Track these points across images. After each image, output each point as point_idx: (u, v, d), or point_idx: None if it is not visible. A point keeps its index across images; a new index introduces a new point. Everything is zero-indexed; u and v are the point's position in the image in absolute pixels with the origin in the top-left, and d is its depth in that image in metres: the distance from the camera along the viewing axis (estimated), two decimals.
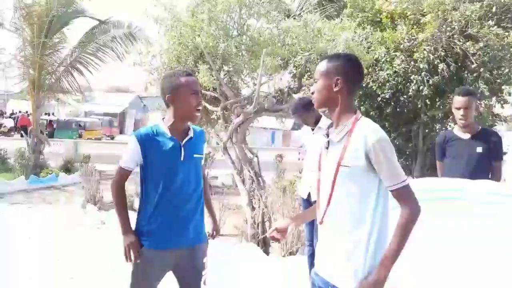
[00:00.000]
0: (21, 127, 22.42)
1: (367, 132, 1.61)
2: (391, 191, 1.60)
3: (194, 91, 2.10)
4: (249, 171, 5.44)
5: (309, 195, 3.59)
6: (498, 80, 6.73)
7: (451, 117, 7.07)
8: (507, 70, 6.21)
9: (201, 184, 2.21)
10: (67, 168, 12.21)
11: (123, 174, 2.16)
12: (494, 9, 6.16)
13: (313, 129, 3.63)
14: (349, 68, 1.72)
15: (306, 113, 3.54)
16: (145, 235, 2.11)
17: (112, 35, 11.50)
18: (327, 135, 1.75)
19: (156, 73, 6.24)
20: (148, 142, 2.08)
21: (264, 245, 5.23)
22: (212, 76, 5.33)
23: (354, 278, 1.61)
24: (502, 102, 6.94)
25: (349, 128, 1.66)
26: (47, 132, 16.44)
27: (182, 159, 2.09)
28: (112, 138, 30.73)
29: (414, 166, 7.54)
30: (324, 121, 3.65)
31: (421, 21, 6.11)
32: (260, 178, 5.49)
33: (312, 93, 1.77)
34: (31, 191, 9.58)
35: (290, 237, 4.94)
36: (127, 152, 2.14)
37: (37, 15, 10.65)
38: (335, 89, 1.69)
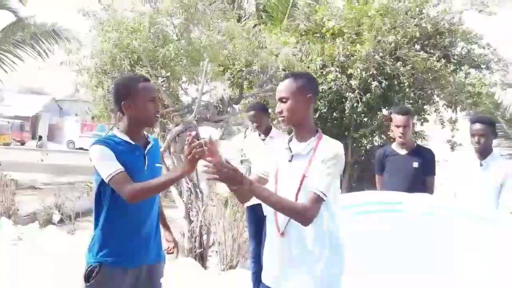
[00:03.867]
0: None
1: (331, 145, 1.75)
2: (310, 191, 1.69)
3: (151, 97, 1.97)
4: (187, 182, 5.24)
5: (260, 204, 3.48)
6: (420, 101, 7.34)
7: (376, 132, 7.56)
8: (429, 92, 6.79)
9: (158, 195, 2.06)
10: None
11: (122, 179, 1.82)
12: (417, 35, 6.72)
13: (263, 139, 3.57)
14: (315, 84, 1.85)
15: (263, 115, 3.52)
16: (105, 252, 1.90)
17: (33, 32, 10.55)
18: (290, 149, 1.81)
19: (86, 75, 5.80)
20: (116, 149, 1.87)
21: (202, 259, 5.06)
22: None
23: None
24: (422, 120, 7.57)
25: (315, 142, 1.76)
26: None
27: (145, 168, 1.95)
28: (23, 143, 28.27)
29: (343, 178, 7.91)
30: (276, 132, 3.63)
31: (357, 40, 6.45)
32: (198, 190, 5.31)
33: (280, 112, 1.79)
34: None
35: (230, 251, 4.84)
36: (102, 160, 1.85)
37: None
38: (307, 106, 1.79)
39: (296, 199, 1.69)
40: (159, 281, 2.04)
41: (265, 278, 1.82)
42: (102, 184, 1.90)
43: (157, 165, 2.02)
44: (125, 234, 1.90)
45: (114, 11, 5.19)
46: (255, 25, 6.13)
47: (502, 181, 3.05)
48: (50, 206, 7.55)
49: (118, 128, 2.02)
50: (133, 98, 1.93)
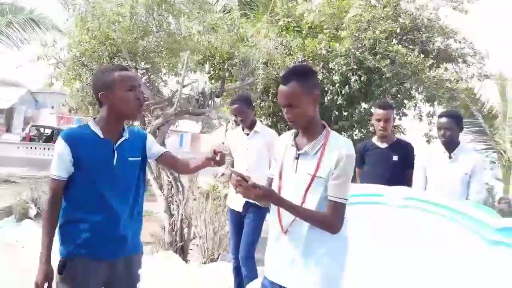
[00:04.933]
0: None
1: (341, 145, 1.68)
2: (330, 200, 1.67)
3: (131, 86, 1.90)
4: (168, 176, 5.20)
5: (244, 205, 3.35)
6: (399, 95, 7.44)
7: (356, 126, 7.64)
8: (408, 86, 6.88)
9: (139, 189, 2.02)
10: None
11: (57, 186, 1.88)
12: (398, 30, 6.79)
13: (247, 134, 3.50)
14: (317, 77, 1.79)
15: (246, 107, 3.38)
16: (76, 244, 1.88)
17: (8, 20, 10.06)
18: (296, 146, 1.76)
19: (63, 67, 5.66)
20: (78, 144, 1.86)
21: (183, 252, 5.04)
22: None
23: (324, 286, 1.65)
24: (401, 114, 7.68)
25: (323, 141, 1.71)
26: None
27: (115, 163, 1.90)
28: None
29: None
30: (260, 126, 3.55)
31: (338, 35, 6.48)
32: (179, 183, 5.28)
33: (289, 118, 1.73)
34: None
35: (211, 244, 4.84)
36: (55, 158, 1.88)
37: None
38: (315, 104, 1.73)
39: (304, 199, 1.68)
40: (137, 273, 2.01)
41: (268, 273, 1.81)
42: (72, 173, 1.89)
43: (130, 159, 1.96)
44: (94, 225, 1.88)
45: (94, 1, 5.07)
46: (231, 17, 6.05)
47: (470, 172, 3.13)
48: (26, 200, 7.39)
49: (94, 119, 1.97)
50: (110, 88, 1.88)
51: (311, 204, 1.68)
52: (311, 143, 1.72)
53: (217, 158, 1.90)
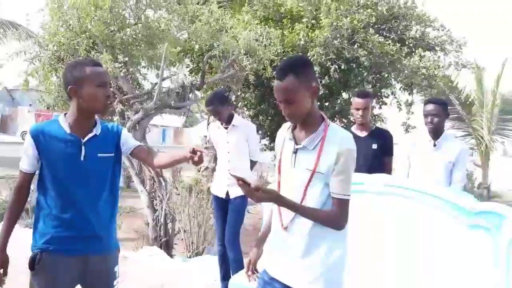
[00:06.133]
0: None
1: (342, 138, 1.62)
2: (334, 197, 1.63)
3: (101, 82, 1.88)
4: (150, 171, 5.15)
5: (226, 193, 3.50)
6: (378, 84, 7.54)
7: (337, 116, 7.70)
8: (386, 75, 6.98)
9: (113, 186, 1.99)
10: None
11: (22, 178, 1.92)
12: (374, 19, 6.85)
13: (226, 127, 3.54)
14: (313, 67, 1.70)
15: (221, 107, 3.43)
16: (46, 240, 1.87)
17: None
18: (294, 139, 1.70)
19: (38, 63, 5.52)
20: (43, 139, 1.85)
21: (167, 247, 5.02)
22: (107, 67, 4.90)
23: (324, 282, 1.64)
24: (381, 103, 7.79)
25: (322, 135, 1.64)
26: None
27: (82, 158, 1.87)
28: None
29: None
30: (238, 119, 3.60)
31: (316, 25, 6.50)
32: (161, 178, 5.24)
33: (288, 114, 1.66)
34: None
35: (195, 237, 4.83)
36: (23, 151, 1.89)
37: None
38: (313, 97, 1.64)
39: (305, 194, 1.64)
40: (112, 270, 1.99)
41: (267, 268, 1.79)
42: (40, 167, 1.91)
43: (100, 155, 1.93)
44: (63, 221, 1.87)
45: None
46: (209, 9, 5.99)
47: (454, 159, 3.19)
48: (5, 199, 7.21)
49: (65, 114, 1.94)
50: (80, 83, 1.85)
51: (311, 199, 1.64)
52: (310, 136, 1.65)
53: (195, 158, 1.84)
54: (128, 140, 2.06)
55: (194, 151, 1.83)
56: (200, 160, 1.86)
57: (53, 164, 1.86)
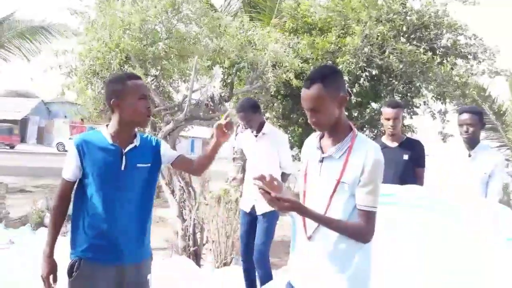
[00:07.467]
0: None
1: (368, 149, 1.61)
2: (360, 209, 1.61)
3: (141, 95, 1.98)
4: (179, 181, 5.24)
5: (252, 208, 3.46)
6: (409, 94, 7.39)
7: (367, 126, 7.60)
8: (417, 85, 6.84)
9: (149, 195, 2.06)
10: None
11: (64, 186, 2.00)
12: (404, 28, 6.76)
13: (256, 135, 3.54)
14: (343, 77, 1.71)
15: (252, 114, 3.44)
16: (85, 248, 1.93)
17: (18, 31, 10.15)
18: (321, 148, 1.70)
19: (75, 76, 5.74)
20: (87, 149, 1.94)
21: (196, 257, 5.06)
22: None
23: None
24: (411, 113, 7.62)
25: (349, 144, 1.64)
26: None
27: (123, 168, 1.95)
28: (12, 147, 27.89)
29: None
30: (269, 127, 3.59)
31: (345, 34, 6.47)
32: (190, 188, 5.31)
33: (314, 123, 1.67)
34: None
35: (224, 248, 4.85)
36: (67, 161, 1.98)
37: None
38: (341, 106, 1.65)
39: (329, 204, 1.63)
40: (146, 278, 2.04)
41: (293, 279, 1.78)
42: (81, 176, 1.98)
43: (139, 165, 2.00)
44: (102, 229, 1.93)
45: (104, 10, 5.14)
46: (240, 21, 6.09)
47: (490, 171, 3.08)
48: (41, 208, 7.49)
49: (107, 125, 2.03)
50: (122, 96, 1.94)
51: (336, 209, 1.63)
52: (336, 146, 1.66)
53: (224, 129, 1.99)
54: (168, 151, 2.15)
55: (219, 125, 2.00)
56: (229, 125, 2.01)
57: (94, 173, 1.93)
